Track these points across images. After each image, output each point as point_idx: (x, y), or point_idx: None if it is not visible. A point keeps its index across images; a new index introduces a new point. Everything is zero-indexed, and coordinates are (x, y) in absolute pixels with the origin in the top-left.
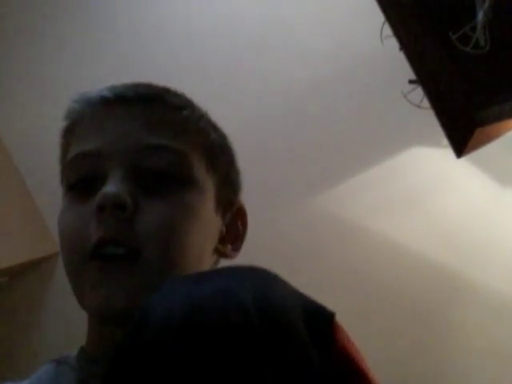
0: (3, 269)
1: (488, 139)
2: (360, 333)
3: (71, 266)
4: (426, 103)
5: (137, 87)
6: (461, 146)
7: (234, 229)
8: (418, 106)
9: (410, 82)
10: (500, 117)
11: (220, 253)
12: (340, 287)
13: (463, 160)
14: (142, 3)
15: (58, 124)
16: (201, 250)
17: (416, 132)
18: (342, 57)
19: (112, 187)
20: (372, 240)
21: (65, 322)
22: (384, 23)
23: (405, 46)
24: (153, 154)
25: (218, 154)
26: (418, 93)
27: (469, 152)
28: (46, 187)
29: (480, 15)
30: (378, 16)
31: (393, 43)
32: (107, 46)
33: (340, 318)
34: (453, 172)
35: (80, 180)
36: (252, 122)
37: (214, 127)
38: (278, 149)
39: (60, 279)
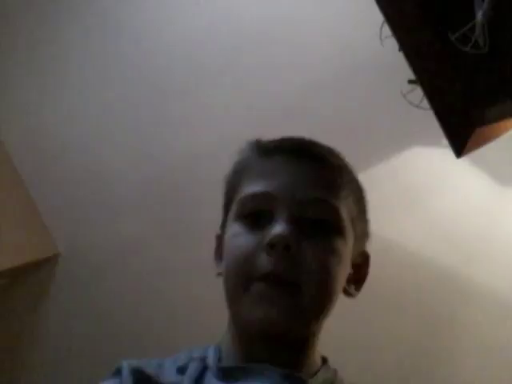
0: (4, 270)
1: (488, 139)
2: (360, 333)
3: (235, 282)
4: (425, 103)
5: (305, 145)
6: (460, 146)
7: (359, 273)
8: (418, 106)
9: (410, 82)
10: (500, 117)
11: (345, 292)
12: None
13: (463, 160)
14: (145, 3)
15: (58, 125)
16: (340, 287)
17: (415, 132)
18: (342, 57)
19: (281, 229)
20: (372, 240)
21: (65, 323)
22: (383, 23)
23: (404, 47)
24: (314, 206)
25: (361, 210)
26: (418, 93)
27: (468, 152)
28: (46, 188)
29: (479, 15)
30: (378, 16)
31: (392, 43)
32: (108, 46)
33: (340, 319)
34: (453, 172)
35: (251, 213)
36: (252, 122)
37: (360, 187)
38: None
39: (60, 280)
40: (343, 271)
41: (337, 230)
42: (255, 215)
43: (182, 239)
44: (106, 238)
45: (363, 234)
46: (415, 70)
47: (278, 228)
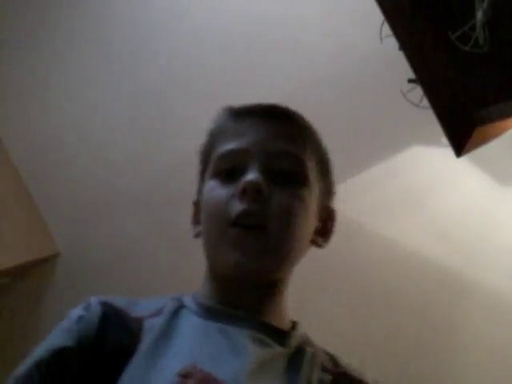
0: (4, 269)
1: (488, 138)
2: (360, 332)
3: (214, 230)
4: (425, 102)
5: (276, 107)
6: (460, 145)
7: (325, 226)
8: (418, 106)
9: (410, 81)
10: (499, 116)
11: (314, 242)
12: (340, 286)
13: (463, 159)
14: (145, 3)
15: (58, 125)
16: (305, 234)
17: (415, 131)
18: (342, 56)
19: (254, 176)
20: (372, 239)
21: None
22: (383, 23)
23: (404, 46)
24: (282, 158)
25: (324, 167)
26: (418, 92)
27: (468, 151)
28: (46, 188)
29: (479, 15)
30: (378, 16)
31: (392, 43)
32: (109, 46)
33: (340, 318)
34: (452, 171)
35: (226, 169)
36: None
37: (325, 149)
38: None
39: (60, 280)
40: (308, 218)
41: (302, 180)
42: (230, 170)
43: (182, 239)
44: (106, 237)
45: (328, 191)
46: (415, 69)
47: (251, 175)
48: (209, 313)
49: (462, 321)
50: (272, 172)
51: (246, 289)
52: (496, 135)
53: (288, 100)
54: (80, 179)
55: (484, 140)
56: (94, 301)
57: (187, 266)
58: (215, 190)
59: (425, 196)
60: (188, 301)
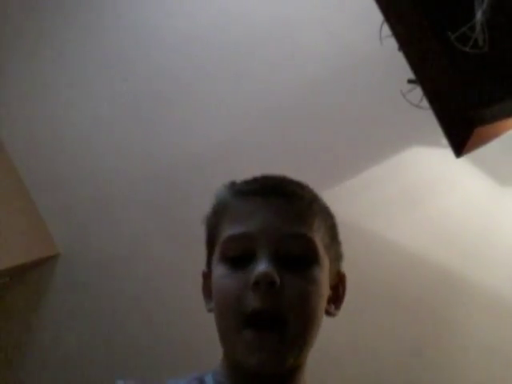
0: (4, 269)
1: (487, 139)
2: (360, 332)
3: (228, 326)
4: (425, 103)
5: (279, 183)
6: (460, 146)
7: (337, 292)
8: (417, 106)
9: (409, 81)
10: (499, 116)
11: (327, 312)
12: None
13: (462, 160)
14: (145, 2)
15: (58, 125)
16: (321, 314)
17: (415, 132)
18: (341, 56)
19: (265, 267)
20: (372, 240)
21: (65, 323)
22: (383, 23)
23: (404, 46)
24: (292, 241)
25: (333, 235)
26: (417, 92)
27: (468, 152)
28: (46, 188)
29: (479, 15)
30: (377, 16)
31: (392, 43)
32: (109, 45)
33: (340, 318)
34: (452, 172)
35: (234, 255)
36: (251, 123)
37: (330, 214)
38: (277, 149)
39: (60, 280)
40: (323, 297)
41: (314, 260)
42: (238, 256)
43: (182, 239)
44: (106, 238)
45: (337, 257)
46: (415, 69)
47: (261, 266)
48: None
49: (462, 321)
50: (282, 257)
51: (267, 380)
52: (496, 135)
53: (288, 100)
54: (80, 179)
55: (484, 140)
56: None
57: (188, 266)
58: (226, 279)
59: (424, 196)
60: (209, 379)
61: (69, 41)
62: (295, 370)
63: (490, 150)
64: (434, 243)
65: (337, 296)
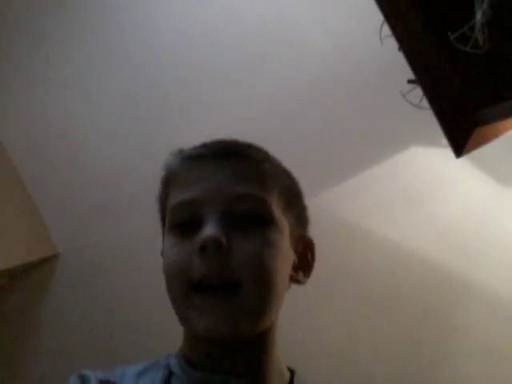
0: (3, 270)
1: (487, 139)
2: (360, 333)
3: (176, 294)
4: (425, 103)
5: (225, 145)
6: (460, 146)
7: (305, 259)
8: (417, 106)
9: (409, 81)
10: (499, 116)
11: (293, 279)
12: (340, 287)
13: (463, 160)
14: (145, 2)
15: (58, 125)
16: (282, 277)
17: (415, 132)
18: (341, 57)
19: (210, 230)
20: (372, 240)
21: (65, 323)
22: (383, 23)
23: (404, 46)
24: (240, 201)
25: (292, 197)
26: (417, 93)
27: (468, 151)
28: (46, 188)
29: (478, 15)
30: (377, 16)
31: (392, 43)
32: (109, 46)
33: (339, 318)
34: (452, 172)
35: (182, 222)
36: (251, 123)
37: (287, 174)
38: (276, 149)
39: (60, 280)
40: (283, 261)
41: (269, 221)
42: (186, 223)
43: None
44: (106, 237)
45: (300, 221)
46: (415, 69)
47: (207, 229)
48: (196, 382)
49: (462, 321)
50: (232, 219)
51: (226, 351)
52: (496, 135)
53: (287, 100)
54: (80, 179)
55: (484, 140)
56: (92, 380)
57: None
58: (173, 248)
59: (424, 196)
60: (176, 366)
61: (69, 41)
62: (260, 339)
63: (490, 149)
64: (434, 243)
65: (305, 263)
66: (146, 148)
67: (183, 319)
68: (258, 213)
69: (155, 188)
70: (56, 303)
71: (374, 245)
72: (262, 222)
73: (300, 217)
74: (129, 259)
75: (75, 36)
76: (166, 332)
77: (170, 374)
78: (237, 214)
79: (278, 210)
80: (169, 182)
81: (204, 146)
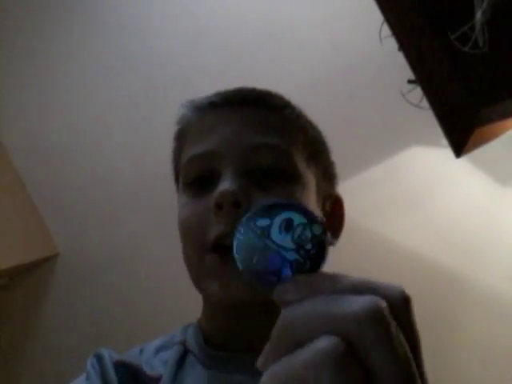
0: (3, 270)
1: (487, 139)
2: None
3: (190, 255)
4: (424, 103)
5: (240, 91)
6: (460, 146)
7: (333, 218)
8: (417, 106)
9: (409, 81)
10: (499, 116)
11: None
12: None
13: (462, 160)
14: (145, 2)
15: (58, 125)
16: None
17: (415, 132)
18: (341, 57)
19: (227, 186)
20: (372, 240)
21: (64, 322)
22: (383, 23)
23: (403, 46)
24: (260, 153)
25: (317, 149)
26: (417, 93)
27: (468, 151)
28: (46, 188)
29: (478, 15)
30: (377, 16)
31: (392, 43)
32: (108, 45)
33: None
34: (452, 172)
35: (196, 178)
36: None
37: (311, 124)
38: None
39: (60, 280)
40: None
41: (292, 176)
42: (201, 179)
43: None
44: (106, 237)
45: (327, 176)
46: (415, 69)
47: (224, 185)
48: (213, 361)
49: (462, 321)
50: (252, 173)
51: (244, 316)
52: (496, 135)
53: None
54: (80, 179)
55: (484, 140)
56: (106, 359)
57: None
58: (187, 207)
59: (424, 196)
60: (192, 343)
61: (69, 41)
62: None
63: (490, 150)
64: (434, 243)
65: (333, 223)
66: (147, 148)
67: (197, 283)
68: (280, 166)
69: (155, 188)
70: (56, 303)
71: (374, 245)
72: (284, 176)
73: (327, 171)
74: (129, 259)
75: (76, 36)
76: (165, 332)
77: (185, 351)
78: (256, 168)
79: (302, 163)
80: (181, 135)
81: (218, 94)
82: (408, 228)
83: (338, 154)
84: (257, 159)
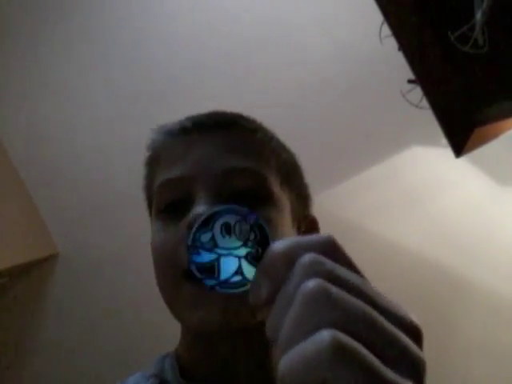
0: (3, 269)
1: (487, 139)
2: None
3: (165, 285)
4: (424, 103)
5: (212, 115)
6: (460, 146)
7: None
8: (417, 106)
9: (409, 81)
10: (499, 116)
11: None
12: None
13: (462, 159)
14: (145, 2)
15: (58, 125)
16: None
17: (415, 132)
18: (341, 56)
19: (200, 209)
20: (372, 240)
21: (64, 322)
22: (383, 23)
23: (403, 46)
24: (234, 176)
25: (290, 172)
26: (417, 92)
27: (468, 151)
28: (45, 188)
29: (478, 15)
30: (377, 16)
31: (392, 43)
32: (108, 45)
33: None
34: (452, 171)
35: (169, 204)
36: None
37: (284, 147)
38: None
39: (60, 280)
40: None
41: (267, 199)
42: (174, 205)
43: None
44: (106, 237)
45: (302, 198)
46: (415, 69)
47: (198, 208)
48: None
49: (462, 321)
50: (227, 196)
51: (224, 342)
52: (496, 135)
53: (288, 100)
54: (80, 179)
55: (483, 140)
56: None
57: None
58: (160, 233)
59: (424, 196)
60: (169, 374)
61: (69, 40)
62: (260, 328)
63: (490, 149)
64: (434, 243)
65: None
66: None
67: (175, 313)
68: (254, 189)
69: None
70: (55, 302)
71: (374, 245)
72: (259, 200)
73: (301, 194)
74: (128, 259)
75: (76, 36)
76: (165, 332)
77: (161, 383)
78: (230, 191)
79: (276, 187)
80: (153, 160)
81: (189, 118)
82: (408, 228)
83: (339, 154)
84: (231, 182)
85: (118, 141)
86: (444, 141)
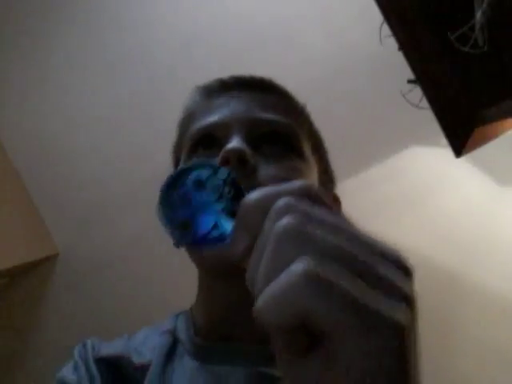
0: (3, 270)
1: (487, 139)
2: None
3: None
4: (424, 103)
5: (254, 77)
6: (460, 146)
7: None
8: (417, 106)
9: (409, 81)
10: (499, 116)
11: None
12: None
13: (462, 160)
14: (145, 2)
15: (58, 125)
16: None
17: (415, 132)
18: (341, 56)
19: (236, 144)
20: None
21: (65, 323)
22: (383, 23)
23: (403, 46)
24: (268, 126)
25: (319, 144)
26: (417, 92)
27: (468, 151)
28: (45, 188)
29: (478, 15)
30: (377, 16)
31: (392, 43)
32: (109, 45)
33: None
34: (452, 172)
35: (204, 136)
36: None
37: (315, 125)
38: None
39: (60, 280)
40: None
41: (296, 150)
42: (206, 144)
43: None
44: (105, 238)
45: (328, 175)
46: (415, 69)
47: (232, 143)
48: (204, 354)
49: (462, 320)
50: (259, 142)
51: (236, 283)
52: (496, 135)
53: None
54: (80, 179)
55: (483, 140)
56: (89, 355)
57: (187, 266)
58: (191, 158)
59: (424, 196)
60: (182, 332)
61: (69, 41)
62: None
63: (490, 149)
64: (434, 243)
65: None
66: (146, 149)
67: (192, 257)
68: (287, 139)
69: (156, 188)
70: (56, 303)
71: None
72: (289, 150)
73: (327, 171)
74: (128, 259)
75: (76, 36)
76: None
77: (174, 341)
78: (266, 138)
79: (307, 147)
80: (190, 114)
81: (230, 76)
82: (408, 228)
83: (338, 153)
84: (264, 127)
85: (119, 142)
86: (444, 141)
